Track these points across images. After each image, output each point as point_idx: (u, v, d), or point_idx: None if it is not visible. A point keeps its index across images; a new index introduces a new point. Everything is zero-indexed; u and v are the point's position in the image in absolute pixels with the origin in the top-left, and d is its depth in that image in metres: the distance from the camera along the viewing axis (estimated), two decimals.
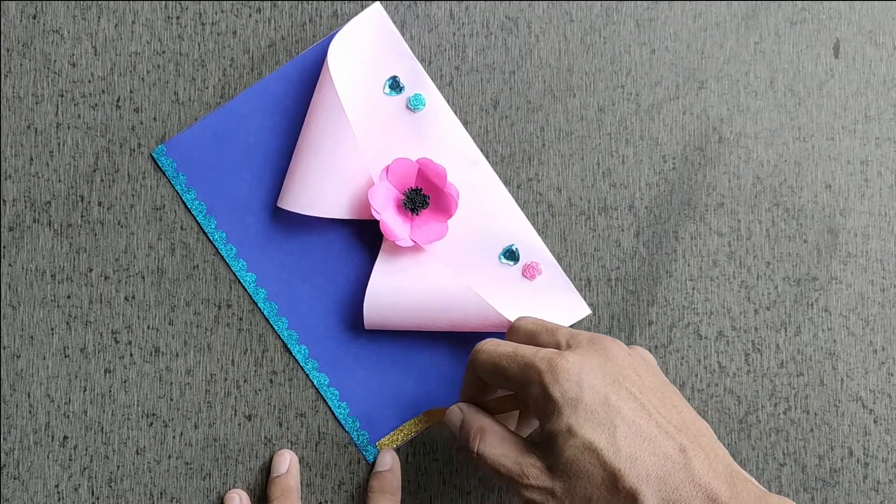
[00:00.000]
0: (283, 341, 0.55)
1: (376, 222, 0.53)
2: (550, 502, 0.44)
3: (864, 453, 0.56)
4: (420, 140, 0.55)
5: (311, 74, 0.55)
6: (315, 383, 0.55)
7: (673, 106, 0.56)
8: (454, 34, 0.56)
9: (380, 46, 0.55)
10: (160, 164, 0.55)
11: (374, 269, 0.53)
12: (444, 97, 0.56)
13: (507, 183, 0.56)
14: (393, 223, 0.53)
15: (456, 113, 0.56)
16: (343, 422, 0.55)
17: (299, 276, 0.56)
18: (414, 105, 0.55)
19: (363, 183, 0.53)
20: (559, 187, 0.56)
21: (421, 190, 0.53)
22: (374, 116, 0.55)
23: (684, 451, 0.42)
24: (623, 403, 0.43)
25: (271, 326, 0.55)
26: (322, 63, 0.54)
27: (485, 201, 0.55)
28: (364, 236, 0.55)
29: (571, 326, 0.55)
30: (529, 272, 0.55)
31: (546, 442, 0.44)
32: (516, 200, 0.56)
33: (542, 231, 0.56)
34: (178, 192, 0.55)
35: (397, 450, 0.56)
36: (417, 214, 0.54)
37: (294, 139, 0.55)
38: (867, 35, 0.57)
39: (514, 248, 0.55)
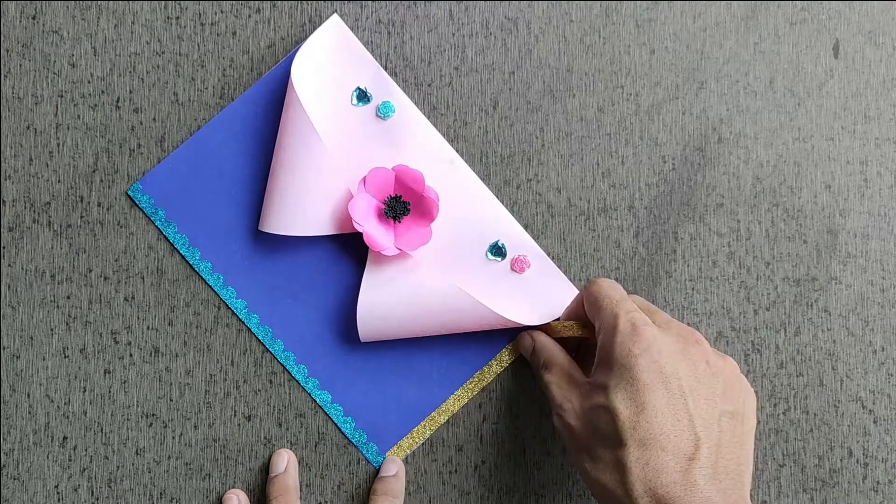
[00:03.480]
0: (280, 363, 0.55)
1: (360, 234, 0.53)
2: (566, 438, 0.48)
3: (863, 454, 0.56)
4: (394, 147, 0.55)
5: (278, 95, 0.55)
6: (318, 402, 0.55)
7: (672, 106, 0.56)
8: (454, 34, 0.56)
9: (342, 58, 0.55)
10: (137, 202, 0.55)
11: (362, 281, 0.53)
12: (444, 98, 0.56)
13: (506, 183, 0.56)
14: (376, 233, 0.53)
15: (455, 113, 0.56)
16: (350, 437, 0.55)
17: (290, 297, 0.55)
18: (383, 113, 0.55)
19: (342, 197, 0.53)
20: (559, 188, 0.56)
21: (400, 197, 0.53)
22: (346, 129, 0.55)
23: (693, 459, 0.43)
24: (665, 394, 0.45)
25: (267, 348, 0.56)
26: (287, 82, 0.54)
27: (466, 200, 0.55)
28: (350, 249, 0.55)
29: None
30: (518, 266, 0.55)
31: (588, 387, 0.48)
32: (516, 201, 0.56)
33: (542, 231, 0.56)
34: (158, 228, 0.55)
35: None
36: (399, 222, 0.54)
37: (268, 161, 0.55)
38: (867, 35, 0.57)
39: (499, 243, 0.55)
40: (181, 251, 0.55)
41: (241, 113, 0.55)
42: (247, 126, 0.55)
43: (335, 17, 0.55)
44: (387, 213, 0.53)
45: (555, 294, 0.55)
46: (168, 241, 0.55)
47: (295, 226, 0.53)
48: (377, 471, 0.55)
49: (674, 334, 0.47)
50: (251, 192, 0.55)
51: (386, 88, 0.55)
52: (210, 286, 0.55)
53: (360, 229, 0.52)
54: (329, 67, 0.55)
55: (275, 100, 0.55)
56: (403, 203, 0.53)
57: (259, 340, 0.55)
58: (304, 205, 0.53)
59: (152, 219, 0.55)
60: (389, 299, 0.53)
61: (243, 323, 0.55)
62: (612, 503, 0.45)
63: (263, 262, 0.55)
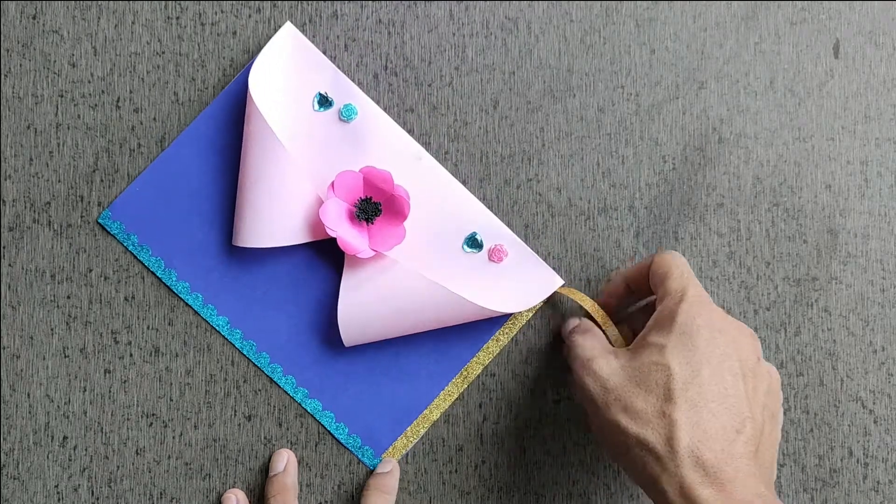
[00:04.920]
0: (268, 376, 0.55)
1: (335, 239, 0.53)
2: (596, 391, 0.47)
3: (863, 453, 0.56)
4: (360, 149, 0.55)
5: (239, 108, 0.55)
6: (309, 410, 0.55)
7: (673, 106, 0.56)
8: (454, 34, 0.56)
9: (300, 65, 0.55)
10: (108, 229, 0.55)
11: (341, 285, 0.53)
12: (444, 97, 0.56)
13: (506, 183, 0.56)
14: (350, 237, 0.53)
15: (456, 113, 0.56)
16: (345, 442, 0.55)
17: (271, 309, 0.55)
18: (346, 116, 0.55)
19: (313, 203, 0.53)
20: (559, 187, 0.56)
21: (371, 198, 0.53)
22: (310, 136, 0.55)
23: (740, 432, 0.44)
24: (720, 367, 0.46)
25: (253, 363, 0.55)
26: (246, 95, 0.54)
27: (437, 195, 0.55)
28: (326, 255, 0.55)
29: (549, 298, 0.56)
30: (496, 256, 0.55)
31: (636, 347, 0.48)
32: (516, 200, 0.56)
33: (542, 231, 0.56)
34: (133, 253, 0.55)
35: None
36: (372, 223, 0.53)
37: (235, 176, 0.55)
38: (867, 35, 0.57)
39: (475, 235, 0.55)
40: (157, 274, 0.55)
41: (203, 130, 0.55)
42: (210, 143, 0.55)
43: (288, 25, 0.55)
44: (358, 215, 0.53)
45: (535, 280, 0.55)
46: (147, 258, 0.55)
47: (268, 237, 0.53)
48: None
49: (737, 323, 0.48)
50: (221, 208, 0.55)
51: (346, 91, 0.55)
52: (190, 306, 0.55)
53: (333, 234, 0.52)
54: (287, 75, 0.55)
55: (236, 112, 0.55)
56: (374, 204, 0.53)
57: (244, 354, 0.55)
58: (275, 216, 0.52)
59: (125, 245, 0.55)
60: (369, 301, 0.53)
61: (227, 339, 0.55)
62: (640, 459, 0.45)
63: (241, 277, 0.55)
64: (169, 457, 0.55)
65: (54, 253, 0.55)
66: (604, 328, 0.53)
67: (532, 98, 0.56)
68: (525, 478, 0.56)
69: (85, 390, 0.55)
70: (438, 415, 0.56)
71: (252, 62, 0.54)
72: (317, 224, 0.53)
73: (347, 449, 0.56)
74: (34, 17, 0.55)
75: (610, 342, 0.52)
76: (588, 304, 0.54)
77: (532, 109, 0.56)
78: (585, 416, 0.51)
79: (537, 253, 0.56)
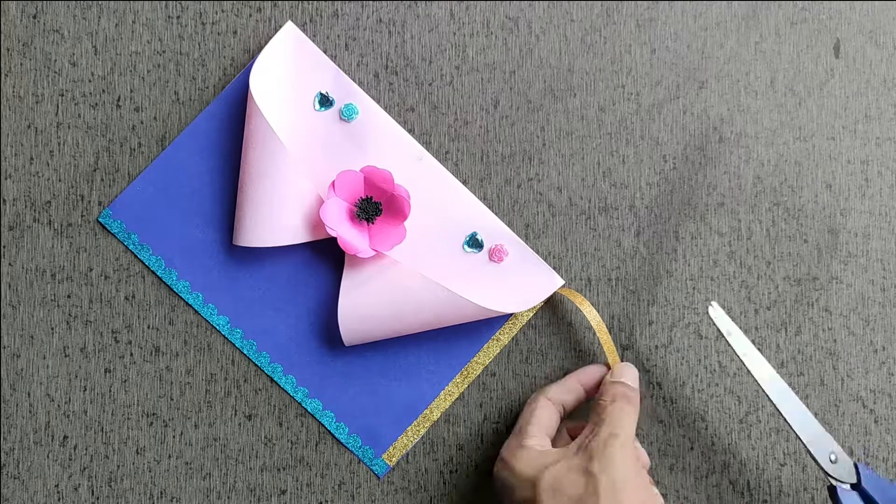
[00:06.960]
0: (268, 376, 0.55)
1: (335, 239, 0.53)
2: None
3: (864, 453, 0.56)
4: (361, 149, 0.55)
5: (240, 107, 0.55)
6: (309, 410, 0.55)
7: (673, 106, 0.56)
8: (454, 34, 0.56)
9: (300, 65, 0.55)
10: (108, 228, 0.55)
11: (341, 285, 0.53)
12: (445, 97, 0.56)
13: (507, 182, 0.56)
14: (350, 236, 0.53)
15: (456, 112, 0.56)
16: (345, 442, 0.55)
17: (271, 308, 0.55)
18: (347, 115, 0.55)
19: (313, 203, 0.53)
20: (559, 187, 0.56)
21: (371, 198, 0.53)
22: (311, 135, 0.55)
23: None
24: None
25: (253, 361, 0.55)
26: (247, 94, 0.54)
27: (438, 195, 0.55)
28: (326, 254, 0.55)
29: (549, 299, 0.56)
30: (496, 255, 0.55)
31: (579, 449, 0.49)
32: (517, 200, 0.56)
33: (543, 230, 0.56)
34: (133, 253, 0.55)
35: (405, 455, 0.56)
36: (373, 223, 0.53)
37: (236, 175, 0.55)
38: (867, 35, 0.57)
39: (476, 235, 0.55)
40: (158, 273, 0.55)
41: (204, 129, 0.55)
42: (211, 142, 0.55)
43: (289, 24, 0.55)
44: (359, 215, 0.53)
45: (535, 280, 0.55)
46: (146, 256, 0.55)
47: (268, 237, 0.53)
48: (376, 475, 0.55)
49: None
50: (222, 208, 0.55)
51: (347, 91, 0.55)
52: (190, 305, 0.55)
53: (333, 234, 0.52)
54: (288, 75, 0.55)
55: (236, 112, 0.55)
56: (375, 204, 0.53)
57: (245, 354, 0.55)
58: (275, 215, 0.52)
59: (126, 244, 0.55)
60: (370, 301, 0.53)
61: (227, 338, 0.55)
62: None
63: (241, 277, 0.55)
64: (169, 456, 0.55)
65: (54, 252, 0.55)
66: (598, 333, 0.53)
67: (533, 97, 0.56)
68: None
69: (85, 389, 0.55)
70: (439, 414, 0.56)
71: (253, 61, 0.54)
72: (317, 224, 0.53)
73: (347, 449, 0.56)
74: (35, 17, 0.55)
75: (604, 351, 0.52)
76: (586, 307, 0.54)
77: (533, 109, 0.56)
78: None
79: (537, 253, 0.56)
